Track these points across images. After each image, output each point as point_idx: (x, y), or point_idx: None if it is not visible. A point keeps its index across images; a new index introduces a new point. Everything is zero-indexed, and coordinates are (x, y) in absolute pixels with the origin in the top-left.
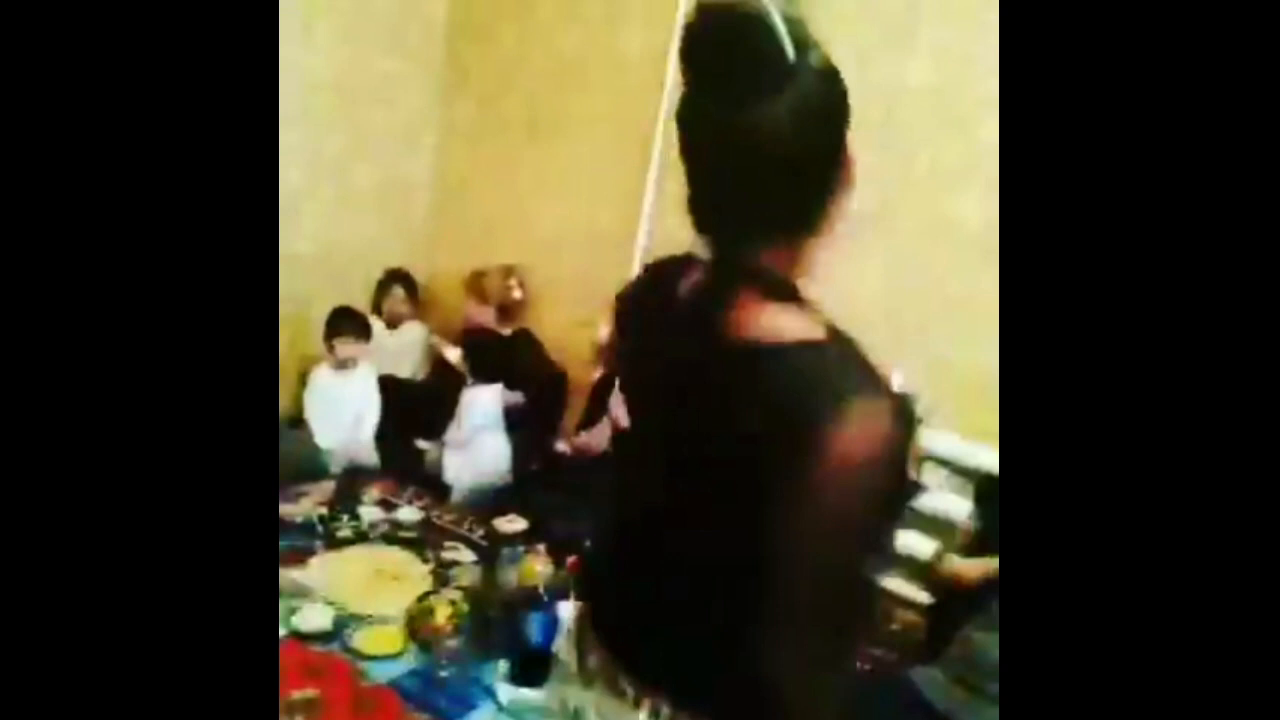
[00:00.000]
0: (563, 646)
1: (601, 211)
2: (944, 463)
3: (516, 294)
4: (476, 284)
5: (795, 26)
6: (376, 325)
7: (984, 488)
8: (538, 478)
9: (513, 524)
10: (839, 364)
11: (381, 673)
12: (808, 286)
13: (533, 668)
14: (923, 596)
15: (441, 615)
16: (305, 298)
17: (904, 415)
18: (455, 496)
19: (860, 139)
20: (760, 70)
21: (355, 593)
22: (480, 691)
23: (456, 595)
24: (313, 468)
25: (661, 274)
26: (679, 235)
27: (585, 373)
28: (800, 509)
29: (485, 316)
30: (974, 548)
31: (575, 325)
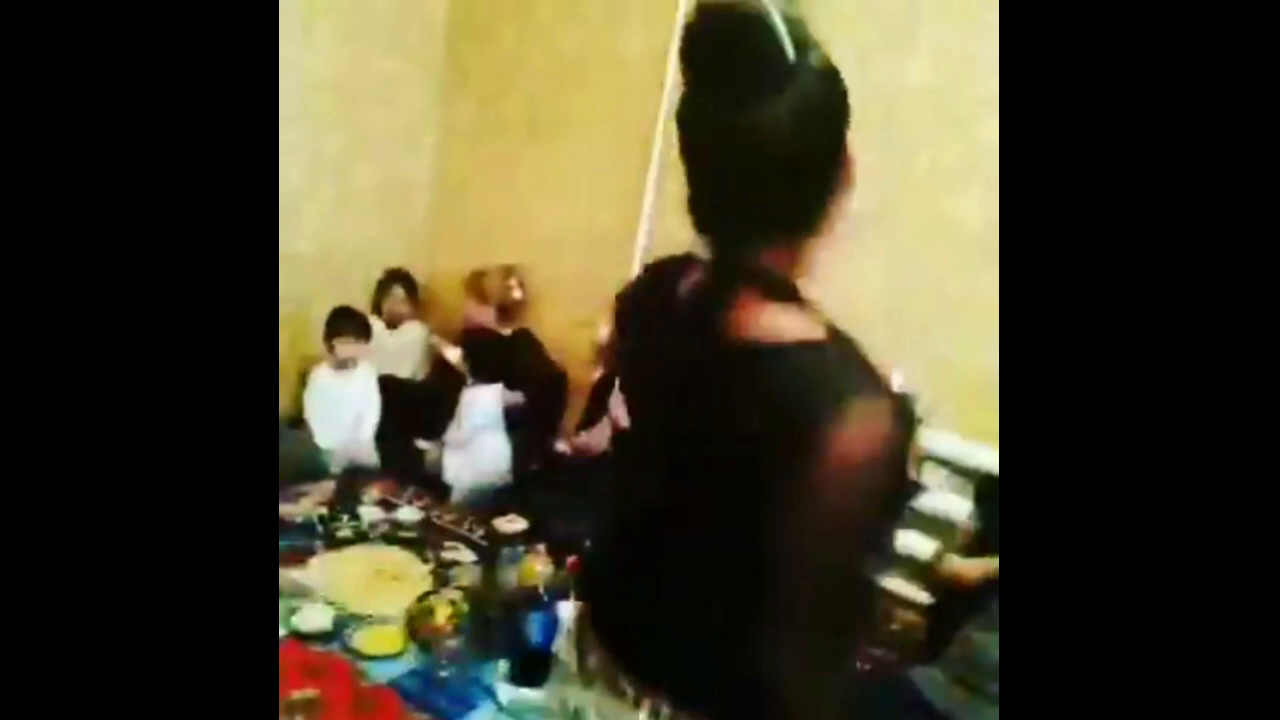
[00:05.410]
0: (563, 646)
1: (601, 211)
2: (944, 463)
3: (516, 294)
4: (476, 284)
5: (795, 26)
6: (376, 325)
7: (984, 488)
8: (538, 478)
9: (513, 524)
10: (839, 364)
11: (381, 673)
12: (808, 286)
13: (533, 668)
14: (923, 596)
15: (441, 615)
16: (305, 298)
17: (904, 415)
18: (455, 496)
19: (860, 139)
20: (760, 70)
21: (355, 593)
22: (480, 691)
23: (456, 595)
24: (313, 468)
25: (661, 274)
26: (679, 235)
27: (585, 373)
28: (800, 509)
29: (485, 316)
30: (974, 548)
31: (575, 325)
